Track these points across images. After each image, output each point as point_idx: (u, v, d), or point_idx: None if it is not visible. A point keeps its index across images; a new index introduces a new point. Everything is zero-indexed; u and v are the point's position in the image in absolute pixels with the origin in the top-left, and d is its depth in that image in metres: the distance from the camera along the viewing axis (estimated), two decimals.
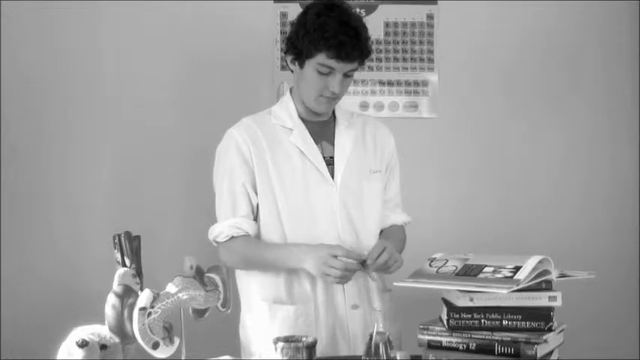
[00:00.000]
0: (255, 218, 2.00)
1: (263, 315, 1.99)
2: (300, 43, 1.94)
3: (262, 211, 1.99)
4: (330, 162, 2.02)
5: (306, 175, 1.99)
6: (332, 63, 1.91)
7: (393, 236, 2.08)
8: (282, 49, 2.77)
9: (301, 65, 1.97)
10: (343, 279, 1.86)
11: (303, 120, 2.04)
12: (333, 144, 2.04)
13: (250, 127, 2.02)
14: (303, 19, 1.95)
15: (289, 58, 2.00)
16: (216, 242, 2.02)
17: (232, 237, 1.97)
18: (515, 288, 1.60)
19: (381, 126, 2.16)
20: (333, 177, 2.00)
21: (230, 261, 1.98)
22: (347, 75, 1.96)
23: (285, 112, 2.04)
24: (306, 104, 2.01)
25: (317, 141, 2.03)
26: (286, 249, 1.95)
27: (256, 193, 1.98)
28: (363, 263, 1.87)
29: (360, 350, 1.93)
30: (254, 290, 2.03)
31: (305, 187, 1.98)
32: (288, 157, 1.99)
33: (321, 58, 1.91)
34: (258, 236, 2.00)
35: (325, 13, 1.91)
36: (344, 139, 2.05)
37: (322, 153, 2.02)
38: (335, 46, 1.88)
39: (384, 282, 2.06)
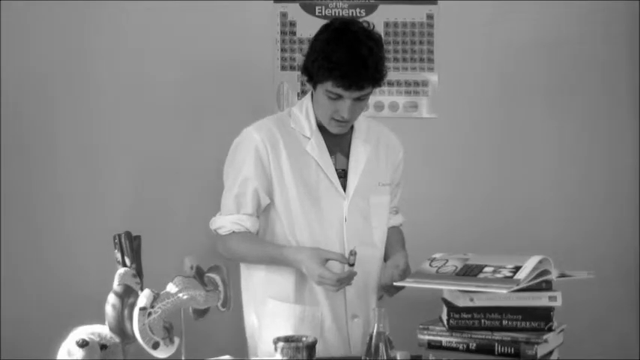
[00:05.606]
0: (259, 217, 2.02)
1: (270, 313, 2.00)
2: (310, 67, 1.93)
3: (278, 211, 1.99)
4: (341, 174, 2.03)
5: (318, 185, 2.00)
6: (339, 91, 1.89)
7: (401, 243, 2.15)
8: (282, 50, 2.78)
9: (314, 87, 1.98)
10: (341, 287, 1.88)
11: (321, 128, 2.03)
12: (347, 156, 2.04)
13: (271, 131, 2.00)
14: (315, 43, 1.94)
15: (305, 79, 2.00)
16: (217, 233, 2.03)
17: (233, 232, 1.99)
18: (516, 288, 1.60)
19: (393, 139, 2.17)
20: (345, 189, 2.01)
21: (226, 253, 2.01)
22: (359, 99, 1.93)
23: (305, 118, 2.03)
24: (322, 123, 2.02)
25: (332, 152, 2.03)
26: (283, 250, 1.95)
27: (268, 197, 1.99)
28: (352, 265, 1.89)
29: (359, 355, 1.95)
30: (261, 288, 2.03)
31: (317, 196, 1.99)
32: (304, 165, 2.00)
33: (328, 85, 1.90)
34: (258, 234, 2.03)
35: (334, 40, 1.89)
36: (359, 153, 2.05)
37: (335, 165, 2.02)
38: (339, 78, 1.86)
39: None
